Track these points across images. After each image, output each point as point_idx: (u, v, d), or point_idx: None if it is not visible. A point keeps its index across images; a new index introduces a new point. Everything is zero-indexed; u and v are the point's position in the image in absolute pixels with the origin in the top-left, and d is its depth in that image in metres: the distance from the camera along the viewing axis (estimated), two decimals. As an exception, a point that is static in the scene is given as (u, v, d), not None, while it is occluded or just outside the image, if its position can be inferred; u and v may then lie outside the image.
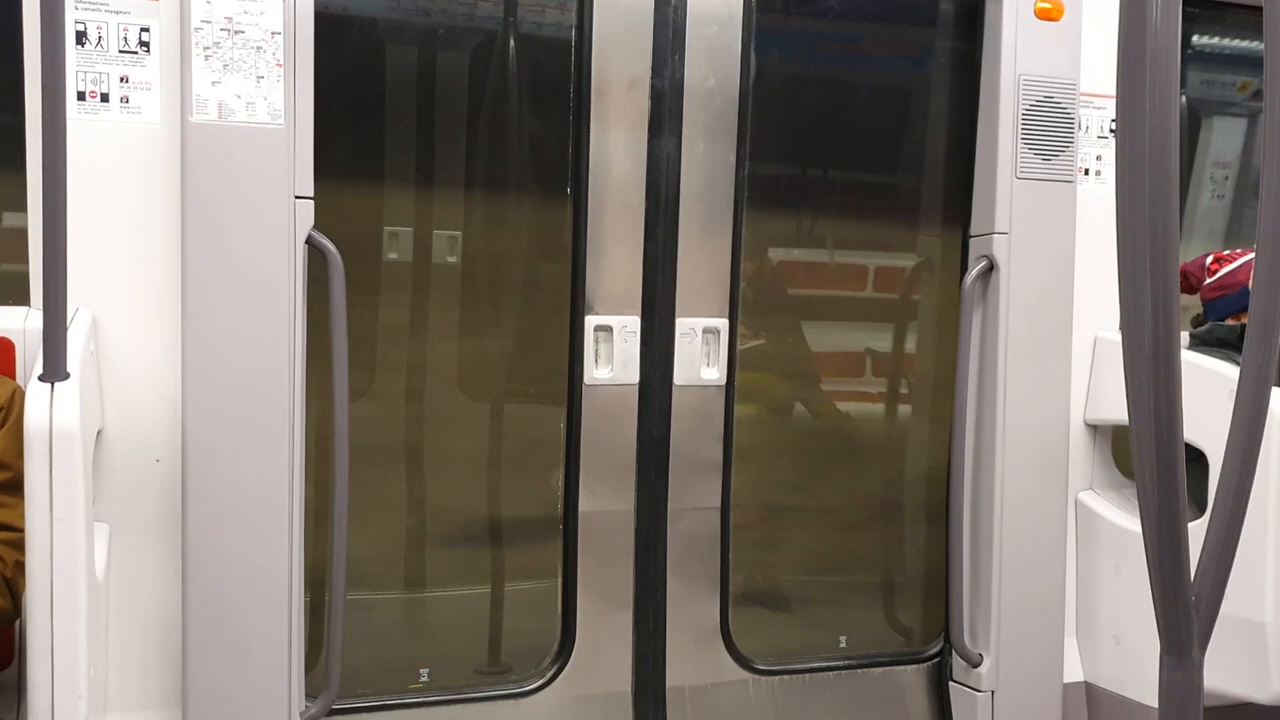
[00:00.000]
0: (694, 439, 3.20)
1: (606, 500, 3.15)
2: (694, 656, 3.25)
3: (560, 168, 3.10)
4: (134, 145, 2.62)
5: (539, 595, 3.21)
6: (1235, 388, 1.49)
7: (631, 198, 3.09)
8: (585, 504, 3.13)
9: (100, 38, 2.58)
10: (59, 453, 2.10)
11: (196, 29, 2.59)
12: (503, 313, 3.24)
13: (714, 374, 3.18)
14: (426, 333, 3.17)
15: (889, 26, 3.53)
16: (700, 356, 3.17)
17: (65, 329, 2.14)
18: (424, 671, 3.08)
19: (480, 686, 3.13)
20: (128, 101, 2.61)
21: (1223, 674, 2.71)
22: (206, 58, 2.60)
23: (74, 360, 2.20)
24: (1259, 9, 1.39)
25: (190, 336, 2.62)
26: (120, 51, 2.60)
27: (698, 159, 3.13)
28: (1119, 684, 3.38)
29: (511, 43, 3.10)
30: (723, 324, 3.19)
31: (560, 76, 3.08)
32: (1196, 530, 1.45)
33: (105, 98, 2.60)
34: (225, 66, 2.61)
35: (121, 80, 2.60)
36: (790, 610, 3.58)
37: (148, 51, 2.62)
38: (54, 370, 2.13)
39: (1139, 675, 3.29)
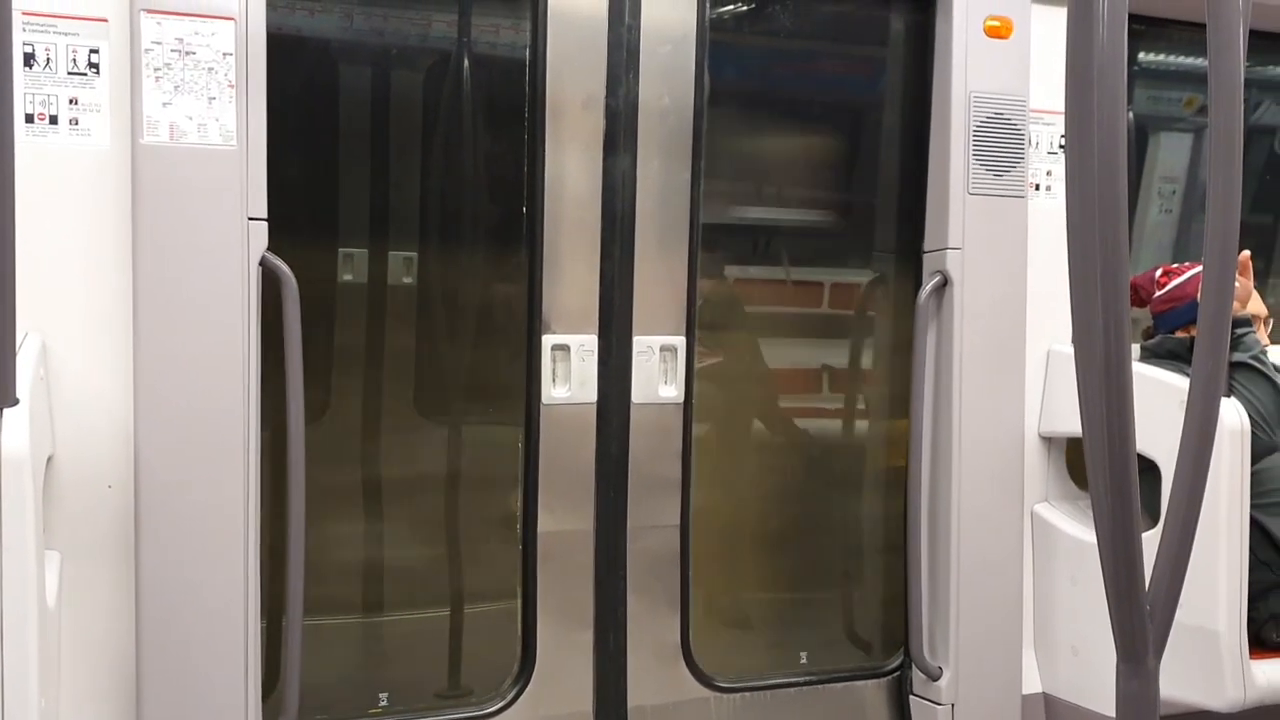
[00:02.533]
0: (652, 457, 3.20)
1: (566, 519, 3.14)
2: (655, 675, 3.24)
3: (516, 187, 3.10)
4: (84, 168, 2.59)
5: (498, 617, 3.19)
6: (1186, 399, 1.51)
7: (587, 216, 3.09)
8: (544, 524, 3.11)
9: (49, 59, 2.55)
10: (8, 480, 2.07)
11: (147, 50, 2.57)
12: (459, 333, 3.23)
13: (672, 391, 3.18)
14: (382, 355, 3.15)
15: (842, 45, 3.56)
16: (658, 374, 3.17)
17: (14, 353, 2.11)
18: (383, 696, 3.05)
19: (440, 709, 3.10)
20: (77, 124, 2.58)
21: (1178, 682, 2.74)
22: (157, 79, 2.58)
23: (23, 385, 2.17)
24: (1203, 26, 1.42)
25: (142, 360, 2.59)
26: (69, 73, 2.57)
27: (653, 177, 3.14)
28: (1077, 694, 3.40)
29: (466, 63, 3.09)
30: (680, 341, 3.19)
31: (515, 96, 3.08)
32: (1150, 540, 1.47)
33: (54, 120, 2.57)
34: (176, 88, 2.59)
35: (71, 102, 2.58)
36: (750, 627, 3.58)
37: (97, 73, 2.59)
38: (3, 395, 2.10)
39: (1096, 685, 3.31)
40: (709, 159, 3.22)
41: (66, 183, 2.58)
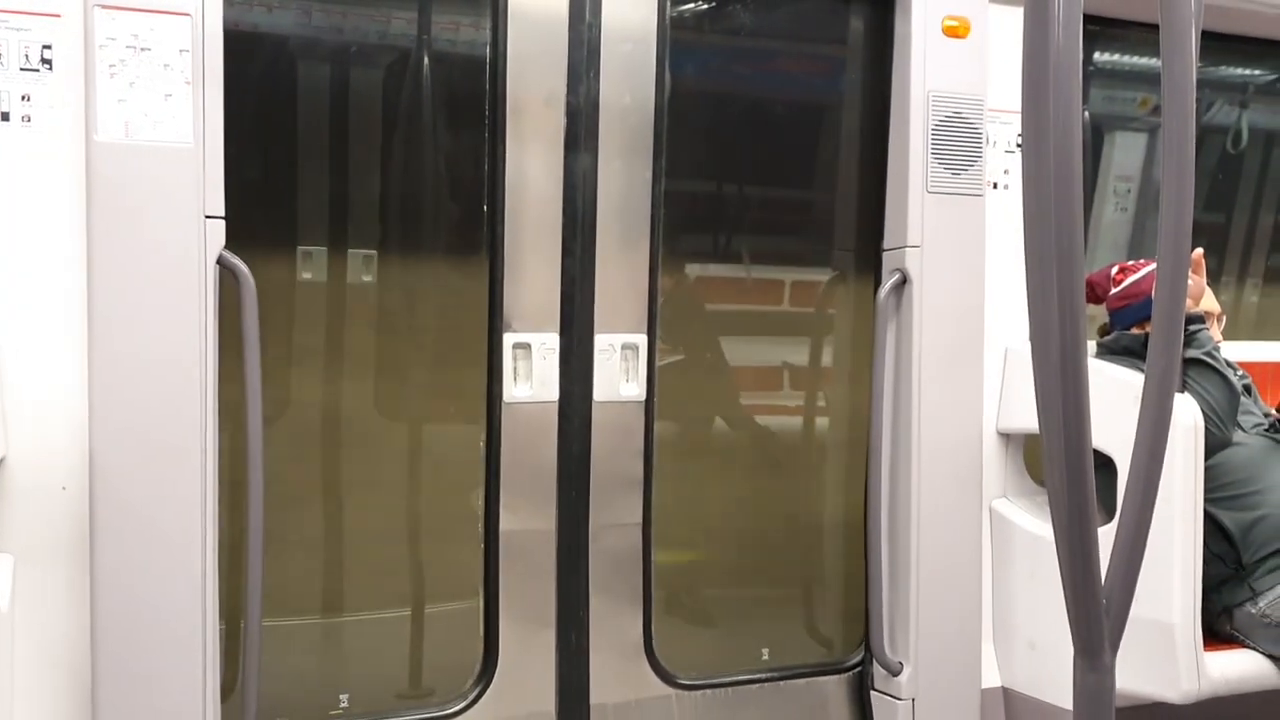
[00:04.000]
0: (614, 455, 3.20)
1: (527, 519, 3.13)
2: (618, 674, 3.24)
3: (476, 185, 3.09)
4: (37, 165, 2.55)
5: (460, 616, 3.18)
6: (1140, 395, 1.52)
7: (548, 215, 3.09)
8: (506, 523, 3.11)
9: (1, 55, 2.52)
10: (-40, 482, 2.04)
11: (101, 46, 2.54)
12: (420, 332, 3.22)
13: (634, 390, 3.19)
14: (342, 353, 3.13)
15: (802, 44, 3.57)
16: (619, 372, 3.17)
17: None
18: (344, 697, 3.04)
19: (401, 710, 3.08)
20: (29, 120, 2.54)
21: (1134, 675, 2.77)
22: (112, 75, 2.55)
23: (-25, 386, 2.14)
24: (1156, 27, 1.44)
25: (97, 361, 2.56)
26: (21, 69, 2.54)
27: (614, 175, 3.13)
28: (1035, 688, 3.43)
29: (426, 60, 3.08)
30: (641, 340, 3.19)
31: (475, 94, 3.06)
32: (1106, 535, 1.49)
33: (6, 116, 2.53)
34: (131, 84, 2.56)
35: (23, 99, 2.54)
36: (712, 624, 3.59)
37: (50, 69, 2.55)
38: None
39: (1054, 679, 3.35)
40: (670, 157, 3.22)
41: (19, 180, 2.54)
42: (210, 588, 2.65)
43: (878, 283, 3.43)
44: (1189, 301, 3.15)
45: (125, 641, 2.58)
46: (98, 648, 2.57)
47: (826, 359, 3.65)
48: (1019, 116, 1.39)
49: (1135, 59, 4.09)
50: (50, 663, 2.61)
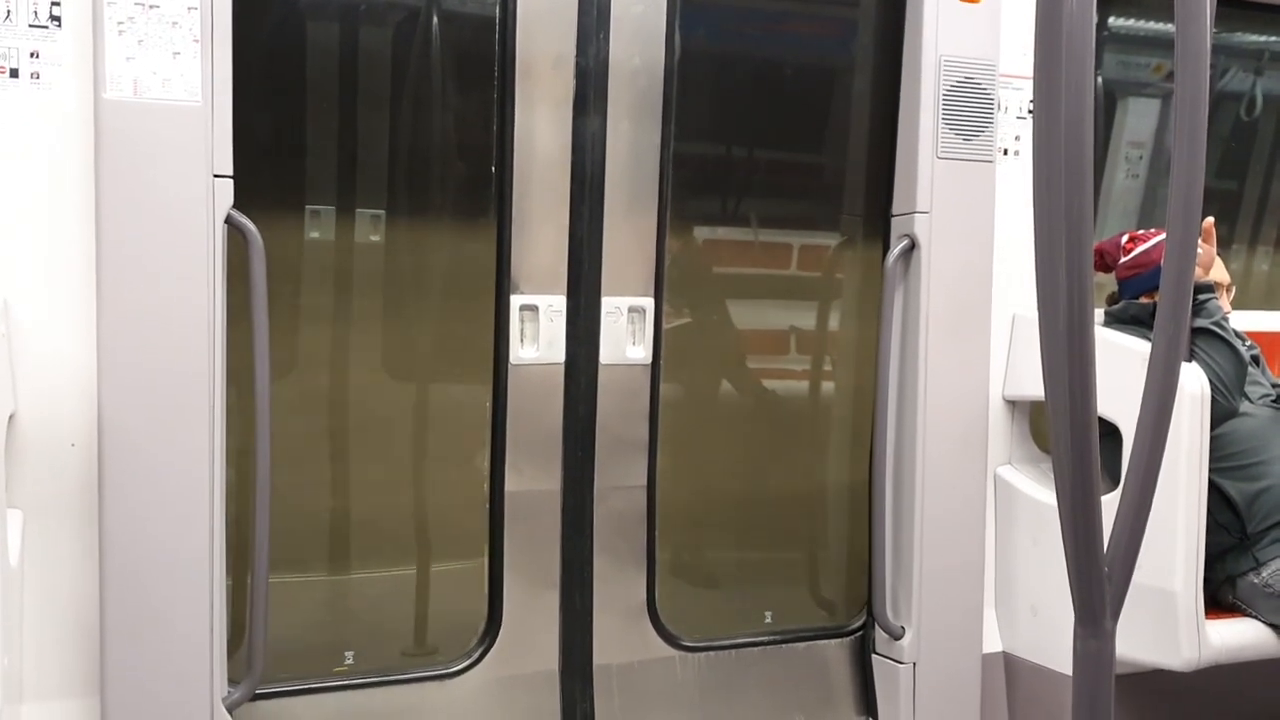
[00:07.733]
0: (620, 418, 3.20)
1: (533, 480, 3.14)
2: (621, 634, 3.26)
3: (485, 146, 3.08)
4: (46, 122, 2.55)
5: (465, 576, 3.20)
6: (1147, 363, 1.52)
7: (556, 177, 3.08)
8: (511, 484, 3.12)
9: (9, 12, 2.51)
10: (-31, 437, 2.05)
11: (110, 3, 2.53)
12: (427, 293, 3.22)
13: (640, 353, 3.19)
14: (349, 313, 3.13)
15: (813, 6, 3.55)
16: (626, 335, 3.17)
17: (-26, 310, 2.09)
18: (349, 654, 3.06)
19: (406, 668, 3.11)
20: (38, 77, 2.54)
21: (1134, 642, 2.78)
22: (120, 33, 2.54)
23: (-16, 342, 2.14)
24: (1171, -7, 1.43)
25: (106, 319, 2.57)
26: (30, 26, 2.53)
27: (623, 138, 3.12)
28: (1036, 653, 3.46)
29: (435, 19, 3.06)
30: (648, 303, 3.19)
31: (484, 54, 3.05)
32: (1110, 502, 1.49)
33: (15, 73, 2.52)
34: (140, 42, 2.55)
35: (32, 55, 2.53)
36: (716, 587, 3.61)
37: (59, 26, 2.55)
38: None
39: (1055, 645, 3.37)
40: (679, 120, 3.21)
41: (27, 137, 2.54)
42: (217, 543, 2.67)
43: (886, 248, 3.42)
44: (1198, 270, 3.14)
45: (133, 596, 2.61)
46: (106, 602, 2.59)
47: (834, 324, 3.64)
48: (1031, 82, 1.38)
49: (1150, 24, 4.06)
50: (59, 617, 2.63)
